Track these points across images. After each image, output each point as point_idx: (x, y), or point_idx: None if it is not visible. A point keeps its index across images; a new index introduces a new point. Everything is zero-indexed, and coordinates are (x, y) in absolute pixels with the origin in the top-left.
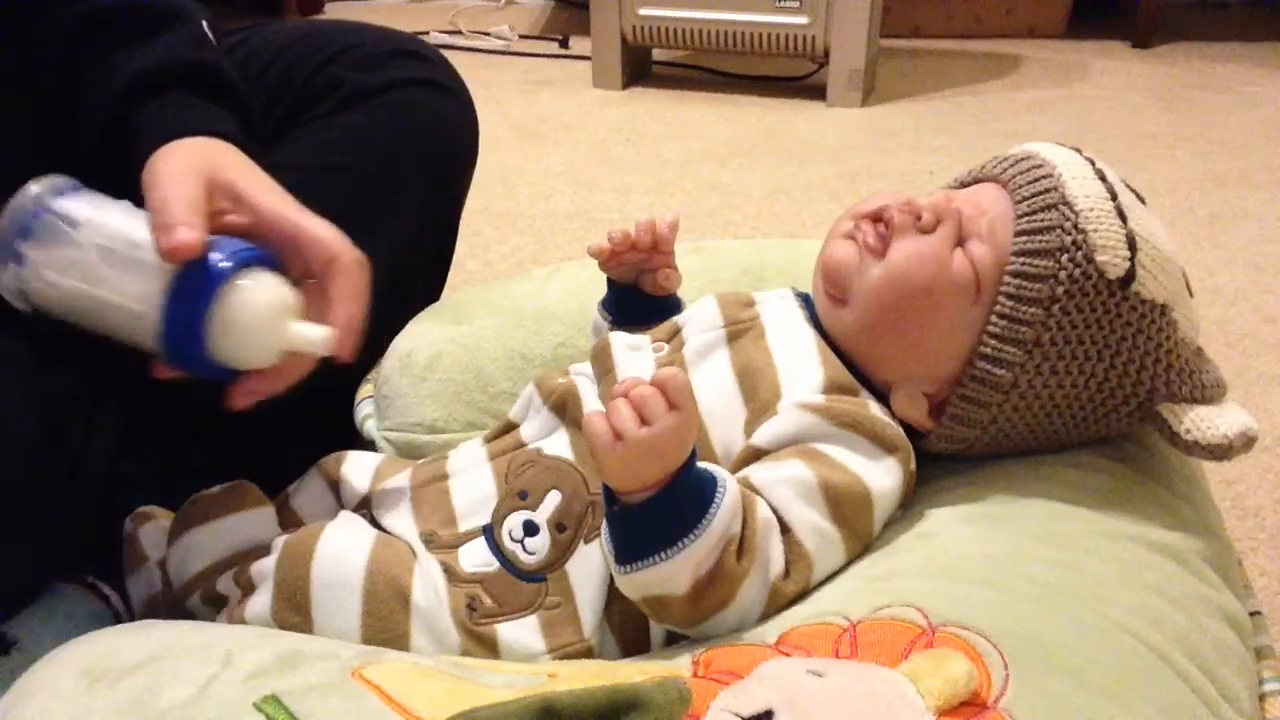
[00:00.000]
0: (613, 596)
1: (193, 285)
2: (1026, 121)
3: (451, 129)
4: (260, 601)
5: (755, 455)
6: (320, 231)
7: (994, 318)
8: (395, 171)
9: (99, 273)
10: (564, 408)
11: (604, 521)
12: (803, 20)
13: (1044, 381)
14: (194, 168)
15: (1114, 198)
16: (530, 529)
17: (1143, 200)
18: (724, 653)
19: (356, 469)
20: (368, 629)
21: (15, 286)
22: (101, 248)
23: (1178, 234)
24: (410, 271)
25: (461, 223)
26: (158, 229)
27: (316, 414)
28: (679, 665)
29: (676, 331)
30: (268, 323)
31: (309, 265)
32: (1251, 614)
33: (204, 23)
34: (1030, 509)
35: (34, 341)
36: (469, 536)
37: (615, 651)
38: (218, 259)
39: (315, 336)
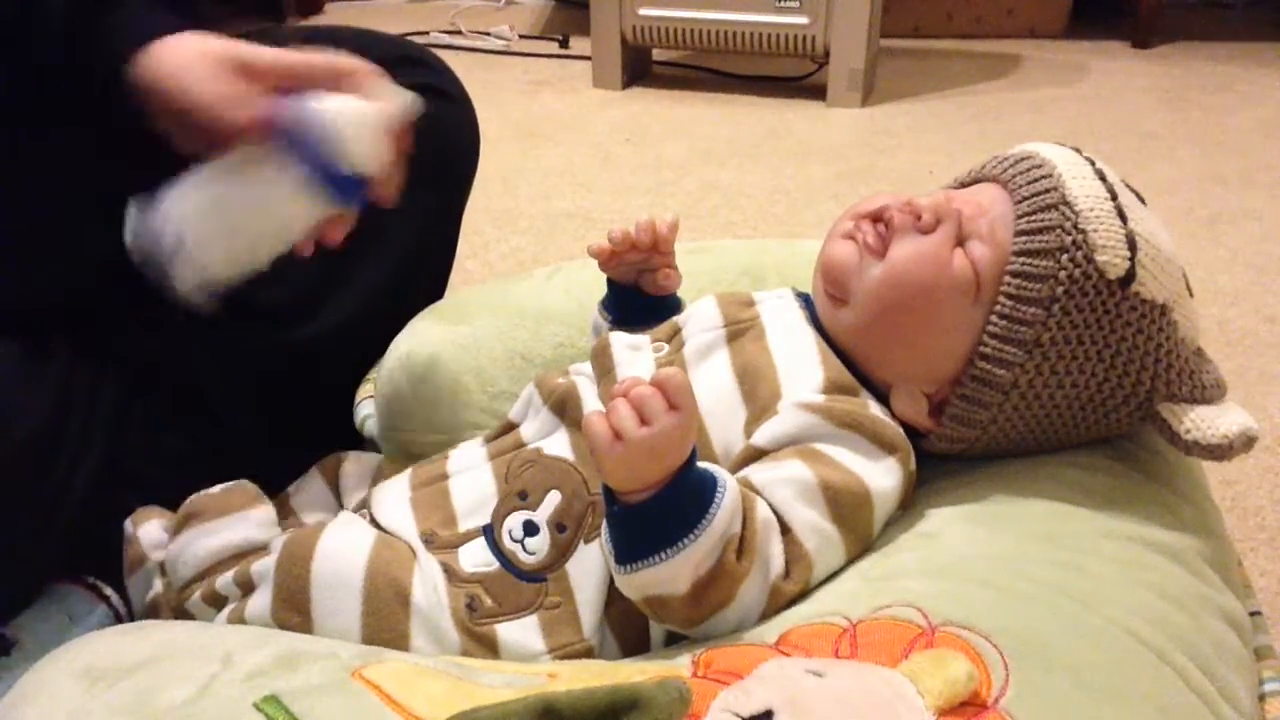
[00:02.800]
0: (613, 596)
1: (301, 124)
2: (1026, 121)
3: (455, 135)
4: (260, 601)
5: (755, 455)
6: (330, 58)
7: (994, 318)
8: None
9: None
10: (564, 408)
11: (604, 521)
12: (803, 20)
13: (1044, 381)
14: (202, 56)
15: (1114, 198)
16: (530, 529)
17: (1143, 200)
18: (724, 653)
19: (356, 469)
20: (368, 629)
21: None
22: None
23: (1178, 234)
24: (413, 274)
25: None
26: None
27: (316, 414)
28: (679, 665)
29: (676, 331)
30: (372, 114)
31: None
32: (1251, 614)
33: None
34: (1030, 509)
35: (30, 342)
36: (469, 536)
37: (615, 651)
38: (295, 100)
39: (404, 99)
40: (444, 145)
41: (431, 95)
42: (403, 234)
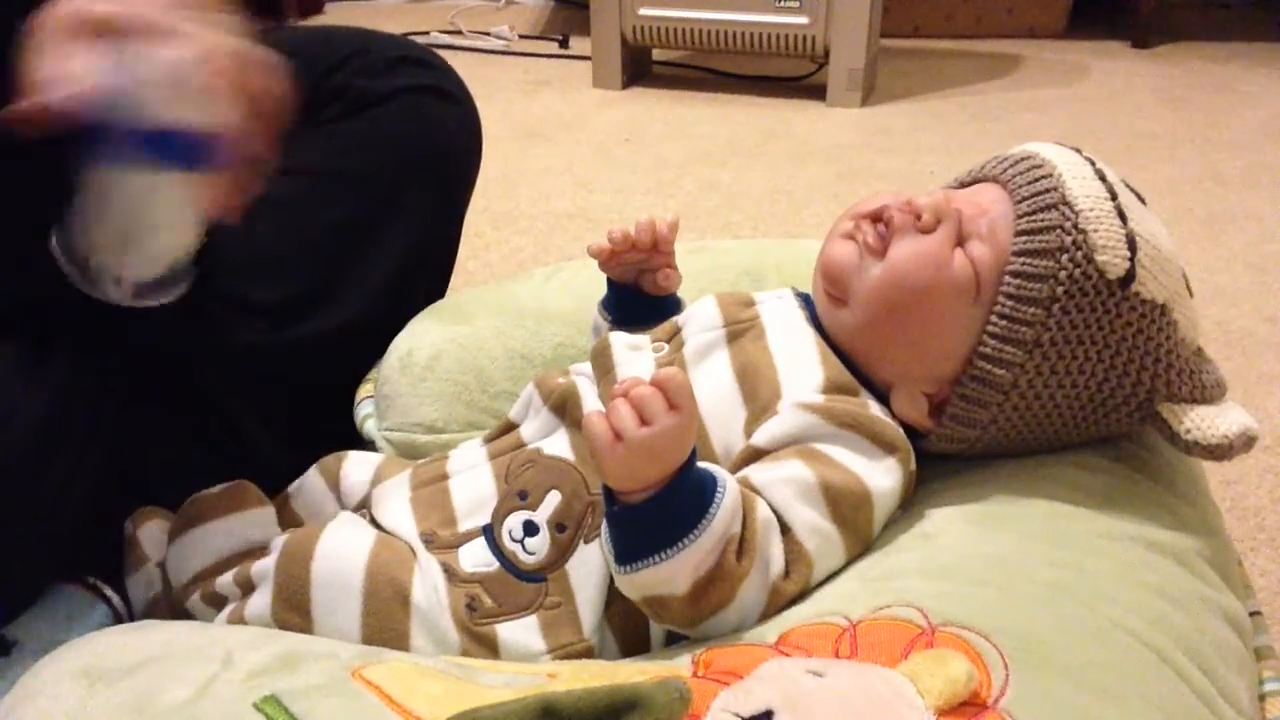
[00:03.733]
0: (613, 596)
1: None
2: (1026, 121)
3: (456, 135)
4: (260, 601)
5: (755, 455)
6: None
7: (994, 318)
8: (401, 177)
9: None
10: (564, 408)
11: (604, 522)
12: (803, 20)
13: (1044, 381)
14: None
15: (1114, 198)
16: (530, 529)
17: (1143, 200)
18: (724, 653)
19: (356, 469)
20: (368, 629)
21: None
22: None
23: (1178, 234)
24: (414, 275)
25: None
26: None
27: (316, 414)
28: (679, 665)
29: (676, 331)
30: (172, 60)
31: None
32: (1251, 614)
33: None
34: (1031, 509)
35: (31, 342)
36: (469, 536)
37: (615, 651)
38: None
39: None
40: (447, 145)
41: (433, 95)
42: (404, 234)
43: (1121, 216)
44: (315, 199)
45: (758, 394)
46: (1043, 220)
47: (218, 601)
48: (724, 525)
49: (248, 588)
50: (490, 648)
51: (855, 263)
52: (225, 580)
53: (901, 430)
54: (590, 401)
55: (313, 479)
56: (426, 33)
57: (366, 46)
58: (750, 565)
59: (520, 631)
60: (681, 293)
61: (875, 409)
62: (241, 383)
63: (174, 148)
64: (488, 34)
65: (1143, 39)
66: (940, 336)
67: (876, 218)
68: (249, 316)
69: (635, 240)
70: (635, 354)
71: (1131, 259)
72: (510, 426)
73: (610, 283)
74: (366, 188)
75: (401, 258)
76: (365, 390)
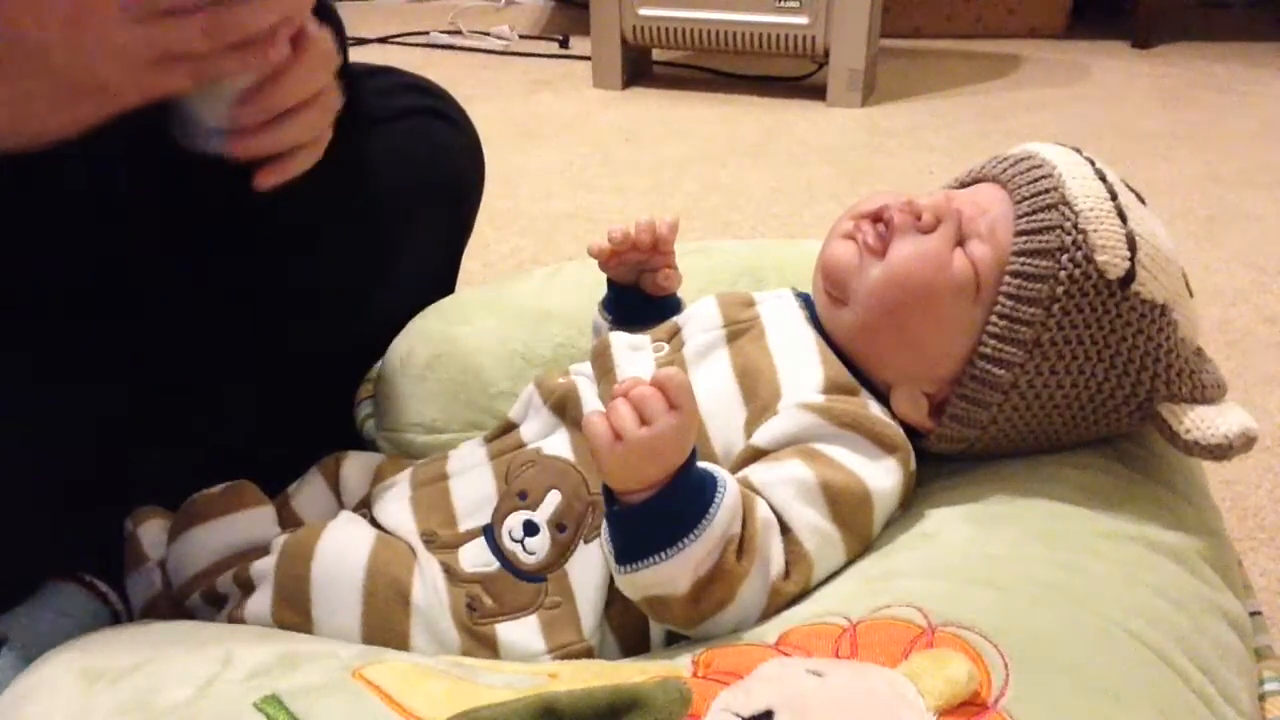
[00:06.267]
0: (613, 596)
1: None
2: (1026, 121)
3: (459, 158)
4: (260, 601)
5: (755, 455)
6: None
7: (994, 318)
8: (408, 195)
9: None
10: (564, 408)
11: (604, 521)
12: (803, 20)
13: (1044, 381)
14: None
15: (1114, 198)
16: (530, 529)
17: (1143, 200)
18: (724, 653)
19: (356, 469)
20: (368, 629)
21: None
22: None
23: (1178, 234)
24: (421, 295)
25: None
26: None
27: (316, 414)
28: (679, 665)
29: (676, 331)
30: None
31: None
32: (1251, 614)
33: None
34: (1030, 509)
35: (30, 338)
36: (469, 536)
37: (615, 651)
38: None
39: None
40: (451, 166)
41: (436, 119)
42: (414, 249)
43: (1121, 216)
44: (326, 215)
45: (757, 394)
46: (1043, 220)
47: (218, 601)
48: (724, 525)
49: (248, 587)
50: (490, 648)
51: (855, 263)
52: (225, 580)
53: (901, 430)
54: (590, 401)
55: (313, 479)
56: (426, 33)
57: (371, 72)
58: (750, 565)
59: (520, 631)
60: (681, 293)
61: (875, 409)
62: (242, 383)
63: None
64: (488, 34)
65: (1143, 39)
66: (940, 336)
67: (876, 218)
68: (249, 319)
69: (635, 240)
70: (635, 354)
71: (1131, 259)
72: (510, 426)
73: (610, 283)
74: (376, 204)
75: (414, 273)
76: (365, 390)
